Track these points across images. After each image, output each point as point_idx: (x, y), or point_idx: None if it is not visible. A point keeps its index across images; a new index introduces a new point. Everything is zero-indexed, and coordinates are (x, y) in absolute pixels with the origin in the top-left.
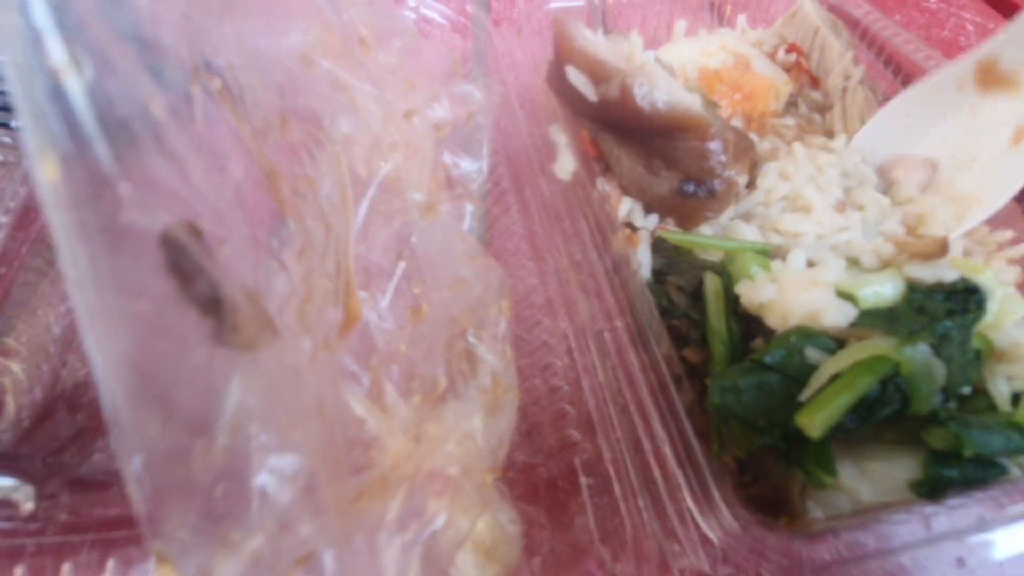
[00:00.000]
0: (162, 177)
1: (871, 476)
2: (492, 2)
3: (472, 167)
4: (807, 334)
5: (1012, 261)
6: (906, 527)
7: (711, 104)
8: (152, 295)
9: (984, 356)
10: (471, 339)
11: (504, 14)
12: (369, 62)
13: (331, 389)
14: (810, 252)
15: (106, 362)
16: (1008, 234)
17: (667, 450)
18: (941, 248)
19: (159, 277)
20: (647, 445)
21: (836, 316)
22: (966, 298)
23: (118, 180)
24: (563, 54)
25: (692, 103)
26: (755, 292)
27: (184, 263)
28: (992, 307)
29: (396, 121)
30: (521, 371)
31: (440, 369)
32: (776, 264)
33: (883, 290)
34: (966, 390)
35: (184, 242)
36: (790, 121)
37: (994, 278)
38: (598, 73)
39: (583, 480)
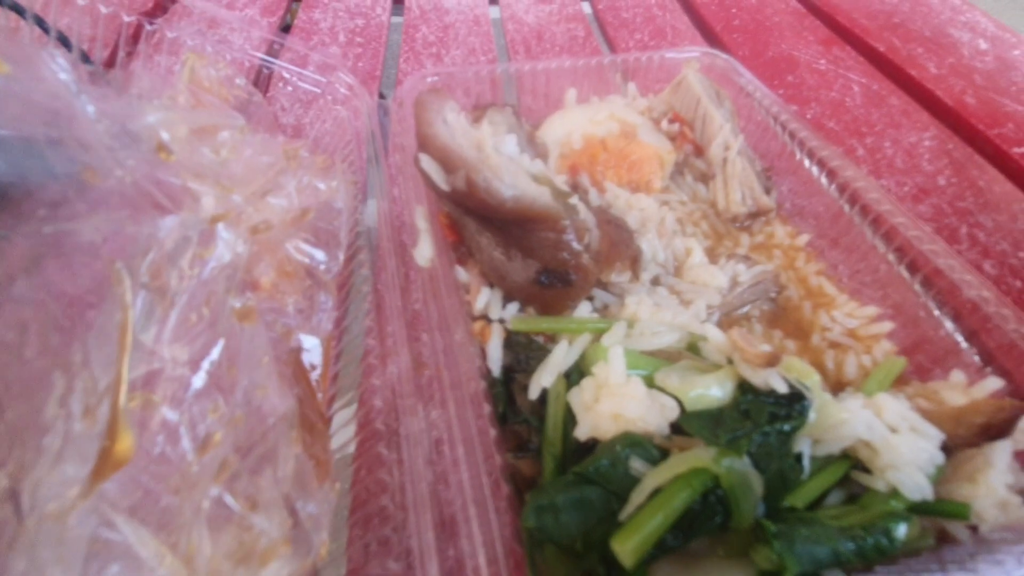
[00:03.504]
0: None
1: None
2: (401, 63)
3: (323, 256)
4: (632, 441)
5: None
6: None
7: (563, 194)
8: None
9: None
10: (226, 498)
11: (412, 72)
12: (170, 165)
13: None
14: (641, 340)
15: None
16: (887, 325)
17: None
18: (772, 361)
19: None
20: (466, 566)
21: (657, 419)
22: (790, 404)
23: None
24: (419, 139)
25: (539, 195)
26: (579, 400)
27: None
28: (812, 414)
29: (212, 220)
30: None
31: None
32: (598, 368)
33: (710, 393)
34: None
35: None
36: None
37: (819, 384)
38: (447, 163)
39: None
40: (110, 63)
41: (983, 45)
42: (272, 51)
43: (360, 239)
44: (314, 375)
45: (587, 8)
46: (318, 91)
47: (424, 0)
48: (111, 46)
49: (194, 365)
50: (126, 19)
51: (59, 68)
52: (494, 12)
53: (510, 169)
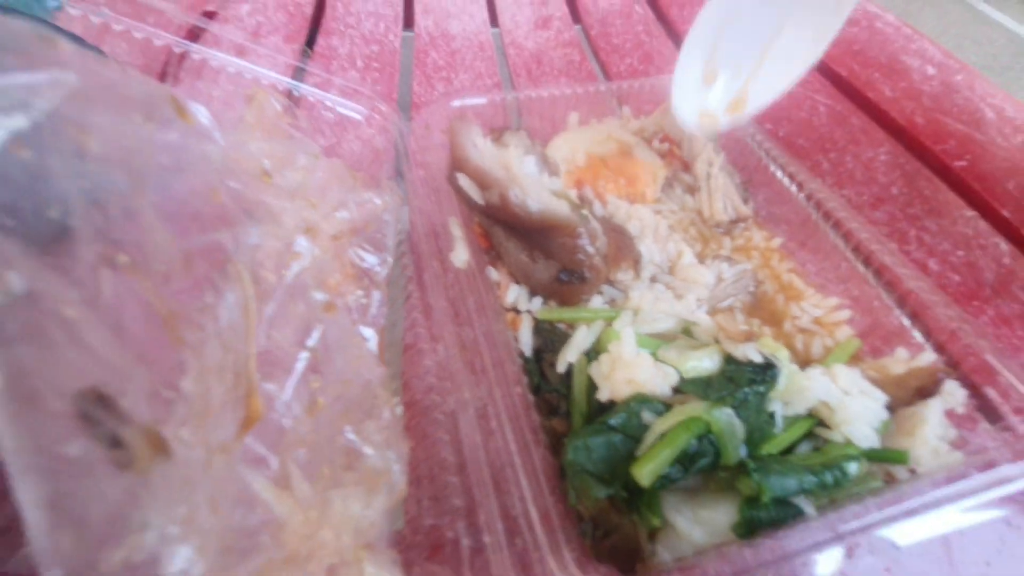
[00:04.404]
0: (70, 356)
1: (701, 522)
2: (414, 86)
3: (376, 260)
4: (643, 399)
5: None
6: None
7: (577, 206)
8: (68, 441)
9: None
10: (349, 435)
11: (425, 97)
12: (271, 186)
13: (229, 486)
14: (644, 325)
15: (27, 503)
16: (846, 313)
17: (532, 512)
18: (749, 337)
19: (73, 429)
20: (516, 508)
21: (661, 384)
22: (764, 371)
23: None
24: (455, 162)
25: (560, 208)
26: (599, 371)
27: (91, 417)
28: (782, 381)
29: (301, 231)
30: (430, 438)
31: (326, 460)
32: (613, 346)
33: (702, 364)
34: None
35: (90, 402)
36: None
37: (787, 357)
38: (482, 181)
39: (465, 544)
40: None
41: (931, 71)
42: (298, 77)
43: (402, 245)
44: None
45: (581, 32)
46: (358, 117)
47: (432, 27)
48: (157, 74)
49: (297, 347)
50: (176, 50)
51: (199, 112)
52: (495, 31)
53: (535, 186)
